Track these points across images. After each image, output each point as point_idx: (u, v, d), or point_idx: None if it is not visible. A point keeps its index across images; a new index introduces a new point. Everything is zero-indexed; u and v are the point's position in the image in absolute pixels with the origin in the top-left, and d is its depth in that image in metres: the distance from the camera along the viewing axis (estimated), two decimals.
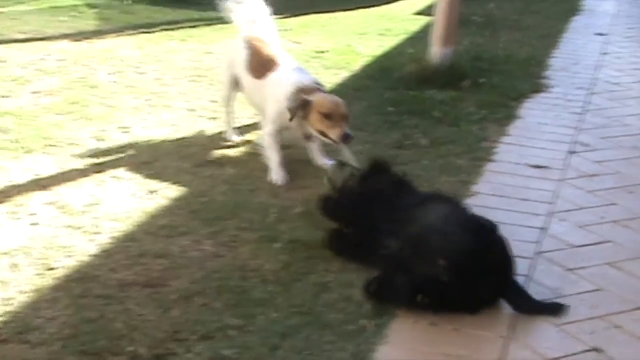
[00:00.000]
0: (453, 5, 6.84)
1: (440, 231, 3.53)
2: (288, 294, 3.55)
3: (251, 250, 3.91)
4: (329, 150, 4.97)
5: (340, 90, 6.56)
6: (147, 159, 4.97)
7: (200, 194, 4.53)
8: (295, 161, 5.00)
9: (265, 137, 4.99)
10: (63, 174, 4.72)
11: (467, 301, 3.45)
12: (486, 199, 4.65)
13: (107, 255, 3.80)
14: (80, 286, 3.52)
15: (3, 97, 5.94)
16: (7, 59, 6.90)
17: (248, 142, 5.34)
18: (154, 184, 4.61)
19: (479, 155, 5.28)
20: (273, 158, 4.89)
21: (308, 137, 4.98)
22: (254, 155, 5.08)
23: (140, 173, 4.75)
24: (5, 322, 3.24)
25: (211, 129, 5.55)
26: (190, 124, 5.60)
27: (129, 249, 3.87)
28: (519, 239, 4.13)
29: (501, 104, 6.34)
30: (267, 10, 5.58)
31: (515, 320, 3.44)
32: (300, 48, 7.85)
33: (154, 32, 8.01)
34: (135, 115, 5.75)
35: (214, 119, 5.68)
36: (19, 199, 4.34)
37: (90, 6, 9.00)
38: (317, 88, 4.84)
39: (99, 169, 4.80)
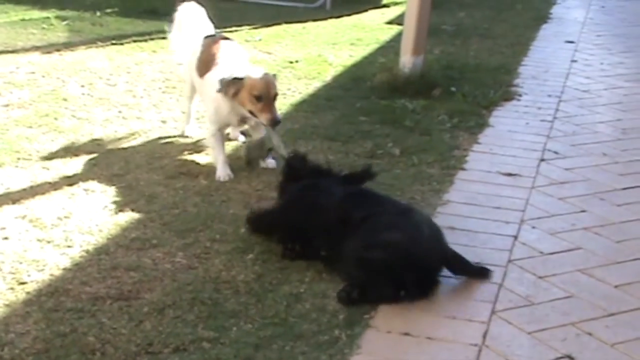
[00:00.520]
0: (423, 14, 6.86)
1: (407, 237, 3.77)
2: (261, 305, 3.55)
3: (224, 262, 3.91)
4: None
5: (312, 100, 6.59)
6: (119, 171, 4.95)
7: (172, 205, 4.52)
8: (269, 171, 5.01)
9: (208, 137, 5.14)
10: (34, 187, 4.69)
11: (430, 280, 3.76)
12: (458, 207, 4.67)
13: (78, 269, 3.79)
14: (52, 300, 3.51)
15: None
16: None
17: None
18: (125, 196, 4.59)
19: (450, 164, 5.30)
20: (218, 156, 5.03)
21: (243, 121, 5.08)
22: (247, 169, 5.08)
23: (112, 185, 4.74)
24: None
25: (183, 140, 5.53)
26: (162, 136, 5.59)
27: (100, 261, 3.86)
28: (490, 247, 4.18)
29: (472, 112, 6.37)
30: (203, 11, 5.73)
31: (487, 328, 3.46)
32: (271, 58, 7.86)
33: (124, 43, 7.98)
34: (106, 127, 5.73)
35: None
36: None
37: (61, 18, 8.95)
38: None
39: (70, 181, 4.77)
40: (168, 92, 6.60)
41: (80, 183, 4.75)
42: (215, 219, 4.36)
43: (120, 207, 4.47)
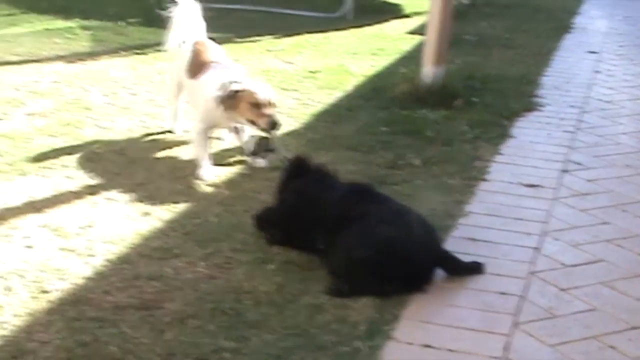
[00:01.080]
0: (445, 24, 6.86)
1: (395, 234, 3.87)
2: (282, 316, 3.56)
3: (245, 272, 3.91)
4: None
5: (333, 110, 6.60)
6: (141, 181, 4.97)
7: (194, 215, 4.54)
8: None
9: (193, 135, 5.31)
10: (57, 196, 4.72)
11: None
12: (479, 218, 4.66)
13: (100, 278, 3.81)
14: (74, 309, 3.52)
15: None
16: (1, 80, 6.90)
17: (241, 162, 5.34)
18: (147, 206, 4.61)
19: (472, 175, 5.29)
20: (201, 154, 5.18)
21: (236, 130, 5.37)
22: (248, 177, 5.10)
23: (134, 194, 4.76)
24: None
25: (215, 176, 5.53)
26: (184, 145, 5.61)
27: (122, 271, 3.88)
28: (512, 259, 4.16)
29: (493, 123, 6.35)
30: (198, 10, 5.88)
31: (509, 341, 3.44)
32: (292, 68, 7.87)
33: (147, 53, 8.01)
34: (129, 136, 5.76)
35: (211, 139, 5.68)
36: (12, 222, 4.34)
37: (84, 28, 9.02)
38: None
39: (92, 190, 4.80)
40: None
41: (103, 192, 4.78)
42: (237, 229, 4.37)
43: (142, 216, 4.49)
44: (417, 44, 8.84)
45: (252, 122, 5.05)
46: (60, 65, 7.53)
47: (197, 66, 5.40)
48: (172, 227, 4.38)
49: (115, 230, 4.30)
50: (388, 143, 5.80)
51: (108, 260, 3.98)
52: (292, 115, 6.37)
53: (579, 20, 11.49)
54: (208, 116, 5.21)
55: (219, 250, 4.13)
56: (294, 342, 3.36)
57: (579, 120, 6.67)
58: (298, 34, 9.43)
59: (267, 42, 8.93)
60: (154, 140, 5.74)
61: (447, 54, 7.09)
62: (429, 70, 6.91)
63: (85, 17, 9.53)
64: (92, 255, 4.01)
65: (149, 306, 3.58)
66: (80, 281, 3.77)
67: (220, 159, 5.39)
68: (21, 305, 3.53)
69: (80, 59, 7.75)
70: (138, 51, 8.04)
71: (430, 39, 6.93)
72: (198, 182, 5.00)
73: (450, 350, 3.37)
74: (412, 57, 8.20)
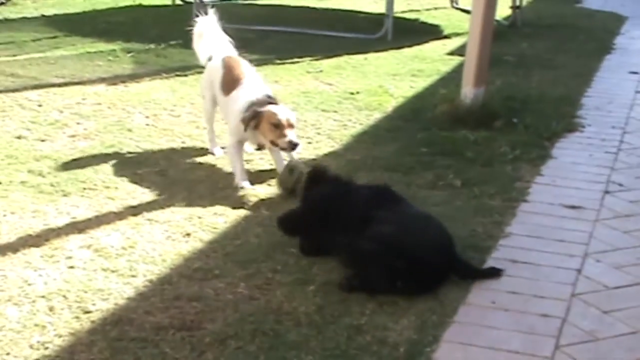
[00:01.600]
0: (484, 45, 6.85)
1: (400, 230, 4.06)
2: (322, 337, 3.56)
3: (285, 293, 3.92)
4: None
5: (373, 131, 6.61)
6: (182, 202, 5.01)
7: (234, 236, 4.56)
8: None
9: (229, 148, 5.55)
10: (99, 216, 4.77)
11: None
12: (520, 239, 4.63)
13: (142, 298, 3.84)
14: (116, 329, 3.56)
15: (40, 140, 6.04)
16: (45, 102, 7.01)
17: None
18: (188, 227, 4.65)
19: (513, 196, 5.26)
20: (236, 165, 5.42)
21: (260, 147, 5.56)
22: (287, 198, 5.10)
23: (175, 215, 4.80)
24: None
25: (253, 187, 5.56)
26: (224, 167, 5.64)
27: (164, 291, 3.90)
28: (554, 281, 4.13)
29: (534, 144, 6.32)
30: (217, 25, 6.21)
31: None
32: (332, 89, 7.90)
33: (187, 74, 8.09)
34: (170, 157, 5.81)
35: (248, 161, 5.71)
36: (55, 242, 4.39)
37: (126, 50, 9.13)
38: (268, 101, 5.38)
39: (134, 211, 4.85)
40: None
41: (145, 213, 4.82)
42: (277, 250, 4.38)
43: (183, 237, 4.52)
44: (457, 65, 8.84)
45: (273, 143, 5.26)
46: (102, 87, 7.63)
47: (229, 82, 5.62)
48: (213, 248, 4.41)
49: (157, 250, 4.34)
50: (428, 164, 5.79)
51: (149, 281, 4.01)
52: (331, 137, 6.38)
53: (619, 41, 11.39)
54: (238, 131, 5.40)
55: (259, 271, 4.14)
56: None
57: (621, 141, 6.61)
58: (338, 55, 9.46)
59: (307, 64, 8.97)
60: (194, 161, 5.78)
61: (487, 75, 7.07)
62: (469, 91, 6.89)
63: (127, 40, 9.65)
64: (134, 276, 4.05)
65: (190, 327, 3.60)
66: (122, 301, 3.80)
67: (259, 180, 5.41)
68: (64, 326, 3.57)
69: (122, 81, 7.84)
70: (179, 73, 8.11)
71: (470, 60, 6.92)
72: (239, 203, 5.02)
73: None
74: (452, 78, 8.20)
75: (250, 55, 5.95)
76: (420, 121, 6.85)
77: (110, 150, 5.89)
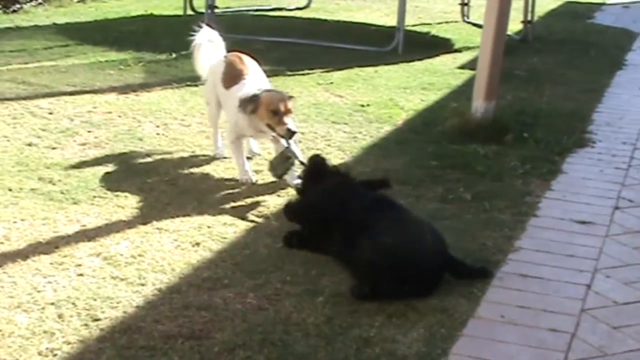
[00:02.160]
0: (496, 59, 6.85)
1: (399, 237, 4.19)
2: (330, 348, 3.56)
3: (294, 304, 3.92)
4: None
5: (383, 143, 6.61)
6: (191, 211, 5.01)
7: (243, 246, 4.57)
8: None
9: (228, 144, 5.72)
10: (108, 225, 4.78)
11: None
12: (530, 254, 4.62)
13: (151, 307, 3.84)
14: (125, 337, 3.56)
15: (51, 148, 6.05)
16: (55, 110, 7.02)
17: (289, 193, 5.36)
18: (197, 236, 4.65)
19: (522, 210, 5.25)
20: (238, 161, 5.59)
21: (259, 133, 5.58)
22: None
23: (184, 225, 4.80)
24: None
25: (256, 179, 5.57)
26: (234, 177, 5.64)
27: (172, 300, 3.91)
28: (563, 296, 4.13)
29: (545, 159, 6.31)
30: (216, 37, 6.30)
31: None
32: (342, 101, 7.90)
33: (198, 85, 8.08)
34: (180, 167, 5.81)
35: (258, 171, 5.72)
36: (65, 250, 4.40)
37: (137, 59, 9.14)
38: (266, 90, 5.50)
39: (143, 220, 4.85)
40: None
41: (154, 222, 4.82)
42: (286, 260, 4.38)
43: (193, 246, 4.52)
44: (468, 78, 8.84)
45: (271, 128, 5.35)
46: (113, 96, 7.64)
47: (231, 77, 5.71)
48: (222, 257, 4.41)
49: (166, 259, 4.34)
50: (438, 177, 5.79)
51: (158, 290, 4.01)
52: (342, 149, 6.39)
53: (631, 57, 11.37)
54: (237, 125, 5.52)
55: (268, 281, 4.14)
56: None
57: (631, 157, 6.59)
58: (348, 67, 9.46)
59: (317, 76, 8.97)
60: (204, 171, 5.79)
61: (498, 89, 7.06)
62: (479, 105, 6.89)
63: (138, 49, 9.66)
64: (143, 284, 4.05)
65: (199, 336, 3.60)
66: (131, 310, 3.80)
67: (268, 190, 5.42)
68: (73, 333, 3.57)
69: (133, 91, 7.86)
70: (189, 83, 8.11)
71: (481, 74, 6.91)
72: (249, 213, 5.02)
73: None
74: (463, 92, 8.19)
75: (261, 67, 5.95)
76: (431, 134, 6.85)
77: (120, 159, 5.90)
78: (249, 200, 5.24)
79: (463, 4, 13.60)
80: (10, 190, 5.18)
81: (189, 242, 4.58)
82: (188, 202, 5.16)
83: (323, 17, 13.31)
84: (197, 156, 6.09)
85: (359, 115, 7.42)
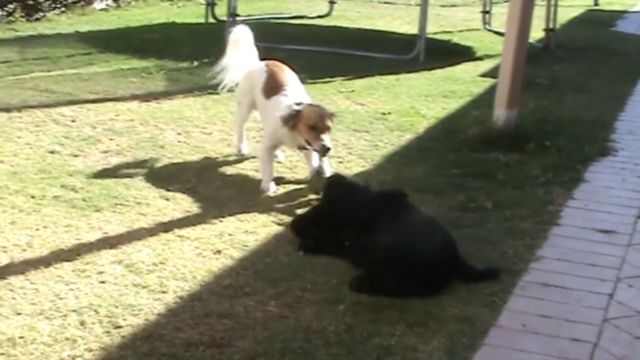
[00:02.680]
0: (517, 68, 6.84)
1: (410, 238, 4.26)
2: (351, 357, 3.55)
3: (315, 312, 3.92)
4: None
5: (404, 151, 6.60)
6: (213, 219, 5.02)
7: (264, 254, 4.57)
8: None
9: (261, 151, 5.76)
10: (130, 232, 4.79)
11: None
12: (552, 263, 4.60)
13: (172, 314, 3.85)
14: (146, 345, 3.57)
15: (73, 156, 6.08)
16: (78, 118, 7.06)
17: (311, 201, 5.37)
18: (219, 244, 4.66)
19: (544, 219, 5.23)
20: (265, 170, 5.63)
21: (301, 148, 5.66)
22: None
23: (206, 232, 4.81)
24: None
25: (277, 189, 5.58)
26: (256, 185, 5.65)
27: (194, 308, 3.91)
28: (585, 305, 4.10)
29: (567, 167, 6.29)
30: (251, 36, 6.44)
31: None
32: (363, 109, 7.91)
33: (219, 92, 8.11)
34: (202, 175, 5.83)
35: (280, 178, 5.73)
36: (87, 257, 4.42)
37: (159, 67, 9.19)
38: (308, 104, 5.55)
39: (165, 228, 4.86)
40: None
41: (175, 230, 4.84)
42: (307, 269, 4.38)
43: (214, 254, 4.53)
44: (489, 86, 8.82)
45: (307, 142, 5.43)
46: (135, 104, 7.68)
47: (272, 88, 5.79)
48: (243, 265, 4.42)
49: (187, 267, 4.35)
50: (459, 185, 5.78)
51: (180, 297, 4.02)
52: (363, 157, 6.39)
53: None
54: (275, 135, 5.62)
55: (289, 289, 4.14)
56: None
57: None
58: (370, 75, 9.47)
59: (339, 84, 8.99)
60: (226, 179, 5.80)
61: (520, 97, 7.05)
62: (501, 113, 6.88)
63: (160, 57, 9.72)
64: (164, 292, 4.06)
65: (220, 344, 3.60)
66: (153, 317, 3.81)
67: (289, 199, 5.43)
68: (95, 340, 3.58)
69: (155, 98, 7.90)
70: (211, 91, 8.14)
71: (503, 82, 6.90)
72: (270, 221, 5.03)
73: None
74: (484, 100, 8.18)
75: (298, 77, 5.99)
76: (452, 142, 6.84)
77: (142, 167, 5.93)
78: (270, 209, 5.24)
79: (485, 12, 13.62)
80: (33, 197, 5.21)
81: (210, 249, 4.59)
82: (209, 210, 5.17)
83: (344, 25, 13.35)
84: (218, 164, 6.10)
85: (380, 123, 7.43)
